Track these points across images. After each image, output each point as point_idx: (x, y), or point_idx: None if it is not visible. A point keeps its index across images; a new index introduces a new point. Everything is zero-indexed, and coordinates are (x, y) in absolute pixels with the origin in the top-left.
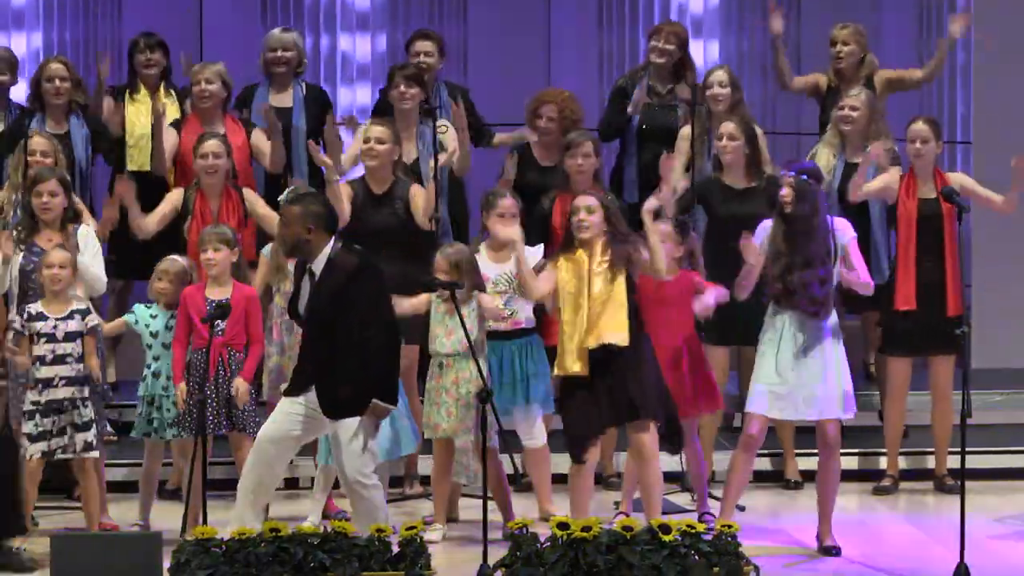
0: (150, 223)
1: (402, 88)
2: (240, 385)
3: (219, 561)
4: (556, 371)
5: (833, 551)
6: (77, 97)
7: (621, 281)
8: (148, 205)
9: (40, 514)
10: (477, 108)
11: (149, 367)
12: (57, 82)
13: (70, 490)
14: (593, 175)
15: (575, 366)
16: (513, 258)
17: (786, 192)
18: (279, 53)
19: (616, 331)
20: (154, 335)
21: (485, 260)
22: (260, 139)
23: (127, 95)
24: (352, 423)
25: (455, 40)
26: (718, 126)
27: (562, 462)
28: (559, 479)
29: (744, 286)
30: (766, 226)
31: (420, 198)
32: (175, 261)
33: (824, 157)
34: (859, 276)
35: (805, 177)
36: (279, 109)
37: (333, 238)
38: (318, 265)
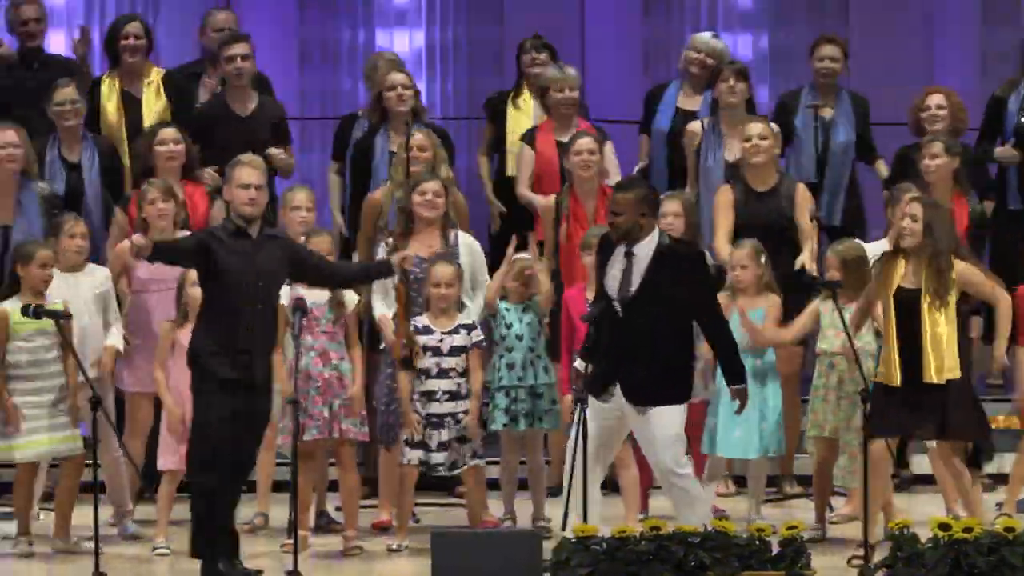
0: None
1: (731, 82)
2: None
3: (599, 559)
4: (875, 377)
5: None
6: (419, 107)
7: (951, 307)
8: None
9: (421, 511)
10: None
11: (502, 358)
12: (400, 90)
13: (451, 487)
14: (952, 177)
15: (895, 379)
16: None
17: None
18: (702, 57)
19: (948, 372)
20: (508, 327)
21: None
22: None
23: (510, 99)
24: (659, 412)
25: None
26: None
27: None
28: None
29: None
30: None
31: (804, 198)
32: (528, 261)
33: None
34: None
35: None
36: (685, 111)
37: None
38: (641, 249)
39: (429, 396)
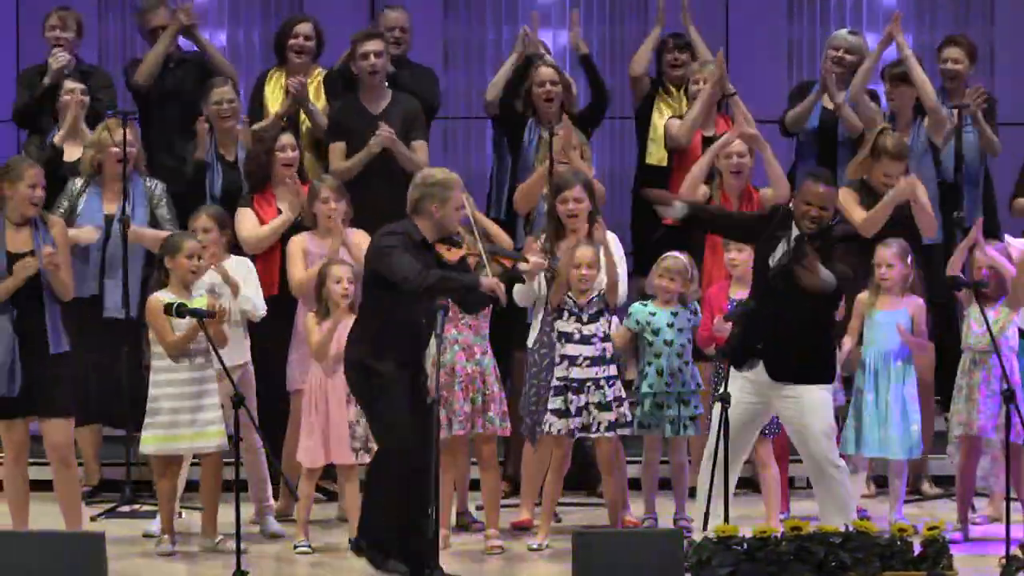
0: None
1: (888, 87)
2: None
3: (740, 559)
4: None
5: None
6: (569, 101)
7: None
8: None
9: (563, 511)
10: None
11: (651, 364)
12: (547, 86)
13: (593, 487)
14: None
15: None
16: None
17: None
18: (840, 54)
19: None
20: (655, 332)
21: None
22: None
23: (657, 94)
24: (811, 402)
25: (982, 42)
26: None
27: None
28: None
29: None
30: None
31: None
32: (678, 259)
33: None
34: None
35: None
36: (828, 111)
37: None
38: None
39: (571, 361)
